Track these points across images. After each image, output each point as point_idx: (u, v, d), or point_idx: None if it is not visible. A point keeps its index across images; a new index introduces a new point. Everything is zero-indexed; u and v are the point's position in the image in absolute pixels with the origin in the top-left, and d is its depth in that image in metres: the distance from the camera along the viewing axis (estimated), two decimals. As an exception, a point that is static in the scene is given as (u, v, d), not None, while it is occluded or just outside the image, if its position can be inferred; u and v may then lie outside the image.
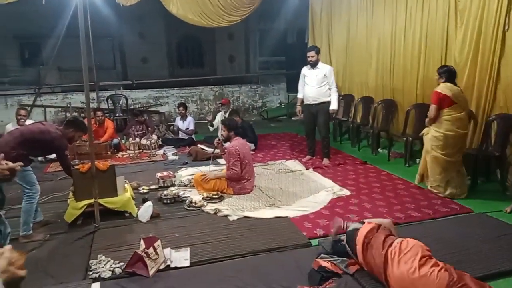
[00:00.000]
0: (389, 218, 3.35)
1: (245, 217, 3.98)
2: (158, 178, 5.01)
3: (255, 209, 4.20)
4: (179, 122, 7.69)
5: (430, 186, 4.63)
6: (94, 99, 9.13)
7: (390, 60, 6.71)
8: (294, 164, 5.99)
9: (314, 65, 5.83)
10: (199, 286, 2.76)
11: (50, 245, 3.47)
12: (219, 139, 5.23)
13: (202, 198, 4.41)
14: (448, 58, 5.46)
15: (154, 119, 9.68)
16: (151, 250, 2.96)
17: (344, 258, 2.88)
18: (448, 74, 4.39)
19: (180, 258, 3.13)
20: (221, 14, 7.87)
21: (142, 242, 3.06)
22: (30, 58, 12.52)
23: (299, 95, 6.17)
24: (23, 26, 10.92)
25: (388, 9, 6.67)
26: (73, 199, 3.90)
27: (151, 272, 2.90)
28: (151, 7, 8.91)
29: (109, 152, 6.73)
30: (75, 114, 9.25)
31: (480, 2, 4.81)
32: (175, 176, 5.21)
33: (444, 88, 4.32)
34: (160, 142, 7.38)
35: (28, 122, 5.92)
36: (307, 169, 5.71)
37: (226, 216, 4.00)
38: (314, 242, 3.41)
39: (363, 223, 2.92)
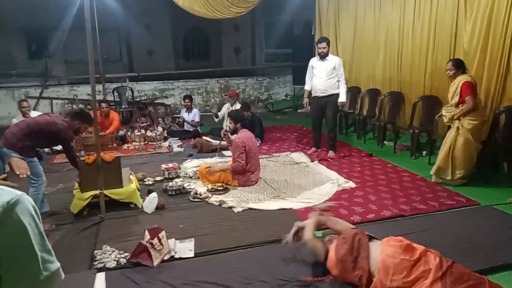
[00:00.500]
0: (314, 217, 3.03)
1: (250, 208, 3.98)
2: (163, 170, 5.02)
3: (259, 201, 4.20)
4: (184, 114, 7.70)
5: (456, 179, 4.51)
6: (100, 91, 9.14)
7: (398, 52, 6.63)
8: (299, 156, 5.97)
9: (324, 56, 5.75)
10: (204, 276, 2.76)
11: (56, 235, 3.49)
12: (226, 131, 5.22)
13: (207, 190, 4.42)
14: (457, 49, 5.38)
15: (160, 111, 9.70)
16: (155, 240, 2.97)
17: None
18: (463, 65, 4.55)
19: (185, 249, 3.15)
20: (227, 5, 7.80)
21: (147, 232, 3.07)
22: (37, 51, 12.56)
23: (307, 87, 6.08)
24: (30, 19, 10.93)
25: (396, 0, 6.57)
26: (79, 190, 3.92)
27: (156, 262, 2.92)
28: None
29: (115, 144, 6.75)
30: (81, 106, 9.30)
31: (490, -8, 4.72)
32: (180, 168, 5.22)
33: (470, 78, 4.47)
34: (166, 134, 7.40)
35: (34, 113, 5.96)
36: (312, 161, 5.69)
37: (230, 207, 4.01)
38: (319, 233, 3.39)
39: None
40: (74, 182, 4.25)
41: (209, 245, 3.21)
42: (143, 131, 7.06)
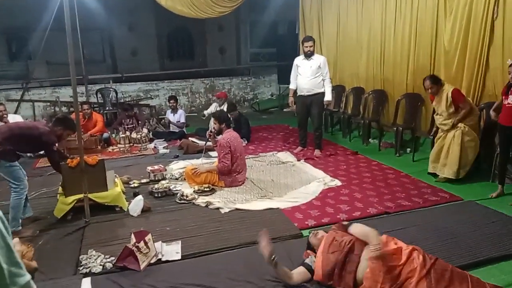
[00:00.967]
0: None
1: (237, 209, 3.98)
2: (149, 172, 4.97)
3: (246, 201, 4.20)
4: (170, 115, 7.64)
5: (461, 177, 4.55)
6: (83, 93, 9.01)
7: (380, 51, 6.71)
8: (285, 156, 5.99)
9: (309, 55, 5.79)
10: (191, 279, 2.75)
11: (40, 241, 3.43)
12: (211, 131, 5.20)
13: (194, 191, 4.40)
14: (437, 47, 5.48)
15: (144, 113, 9.60)
16: (142, 244, 2.94)
17: None
18: (439, 79, 4.73)
19: (172, 251, 3.13)
20: (211, 5, 7.77)
21: (133, 236, 3.04)
22: (17, 52, 12.30)
23: (292, 86, 6.10)
24: (9, 19, 10.68)
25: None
26: (63, 194, 3.86)
27: (142, 266, 2.89)
28: (140, -1, 8.77)
29: (99, 147, 6.66)
30: (64, 108, 9.14)
31: (469, -9, 4.81)
32: (166, 170, 5.18)
33: (452, 86, 4.63)
34: (151, 136, 7.33)
35: (13, 116, 5.85)
36: (298, 160, 5.72)
37: (217, 208, 4.00)
38: (305, 233, 3.42)
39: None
40: (57, 186, 4.18)
41: (196, 247, 3.20)
42: (128, 133, 6.99)
